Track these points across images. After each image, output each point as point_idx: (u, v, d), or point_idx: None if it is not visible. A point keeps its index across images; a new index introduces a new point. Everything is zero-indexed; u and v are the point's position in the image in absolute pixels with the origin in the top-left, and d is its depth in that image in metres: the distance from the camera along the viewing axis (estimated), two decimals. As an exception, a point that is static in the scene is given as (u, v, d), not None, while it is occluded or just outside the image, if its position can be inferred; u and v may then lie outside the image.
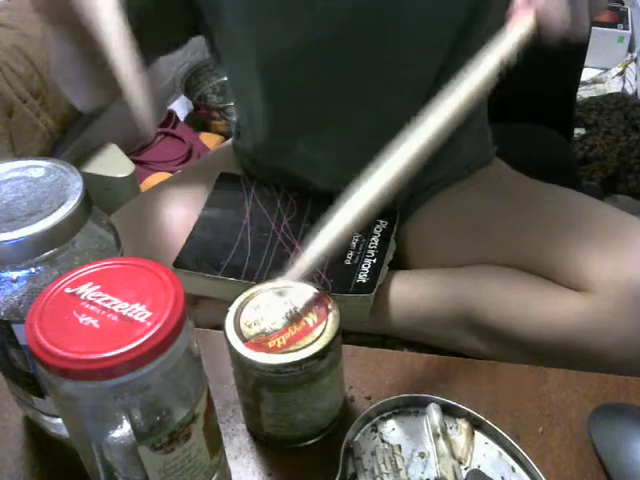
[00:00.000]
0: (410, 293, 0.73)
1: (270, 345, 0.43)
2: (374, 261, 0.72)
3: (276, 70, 0.73)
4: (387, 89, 0.72)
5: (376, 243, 0.74)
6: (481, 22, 0.69)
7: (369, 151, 0.76)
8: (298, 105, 0.76)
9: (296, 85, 0.74)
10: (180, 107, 1.75)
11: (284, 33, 0.70)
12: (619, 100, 1.76)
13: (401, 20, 0.66)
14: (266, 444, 0.49)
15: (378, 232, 0.76)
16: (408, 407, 0.50)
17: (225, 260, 0.71)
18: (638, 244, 0.62)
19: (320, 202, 0.79)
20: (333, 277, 0.70)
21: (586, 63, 1.06)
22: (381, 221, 0.77)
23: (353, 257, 0.73)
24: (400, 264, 0.78)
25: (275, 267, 0.71)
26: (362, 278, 0.70)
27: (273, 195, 0.79)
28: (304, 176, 0.80)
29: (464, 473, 0.46)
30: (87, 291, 0.35)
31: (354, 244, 0.74)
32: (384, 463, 0.46)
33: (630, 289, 0.60)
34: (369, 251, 0.73)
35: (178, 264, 0.70)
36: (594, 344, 0.61)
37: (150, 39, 0.70)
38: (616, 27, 2.00)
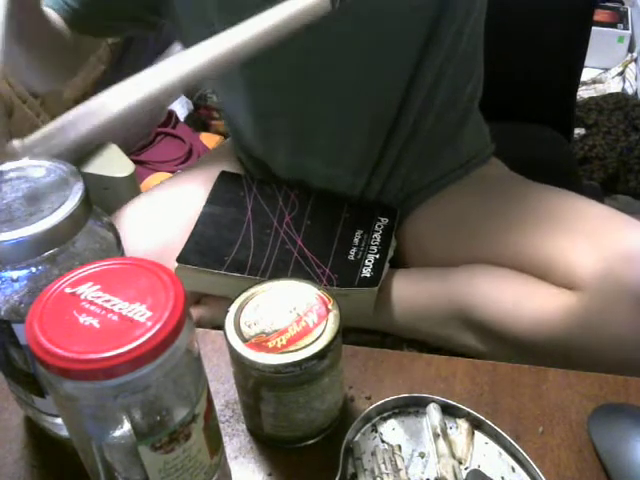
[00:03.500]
0: (408, 290, 0.74)
1: (270, 345, 0.43)
2: (377, 256, 0.73)
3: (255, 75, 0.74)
4: (363, 90, 0.72)
5: (378, 239, 0.75)
6: (451, 15, 0.69)
7: (354, 150, 0.77)
8: (276, 112, 0.77)
9: (272, 93, 0.75)
10: (180, 107, 1.75)
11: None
12: (619, 100, 1.76)
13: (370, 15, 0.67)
14: (266, 444, 0.49)
15: (380, 229, 0.76)
16: (408, 407, 0.50)
17: (229, 256, 0.71)
18: (629, 243, 0.62)
19: (322, 199, 0.80)
20: (338, 272, 0.71)
21: (586, 63, 1.06)
22: (382, 218, 0.78)
23: (356, 253, 0.73)
24: (398, 261, 0.78)
25: (279, 263, 0.72)
26: (366, 273, 0.71)
27: (274, 193, 0.80)
28: (296, 178, 0.81)
29: (464, 473, 0.46)
30: (87, 291, 0.35)
31: (356, 240, 0.75)
32: (384, 463, 0.46)
33: (620, 288, 0.60)
34: (372, 247, 0.74)
35: (181, 260, 0.70)
36: (587, 343, 0.61)
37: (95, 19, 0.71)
38: (616, 27, 2.00)
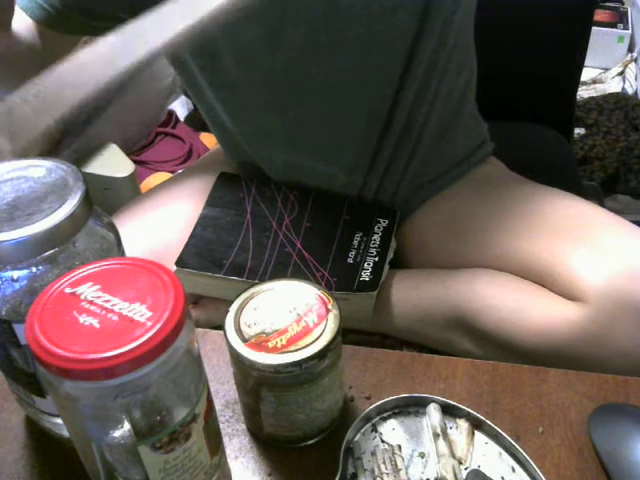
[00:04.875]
0: (408, 293, 0.74)
1: (270, 345, 0.44)
2: (376, 259, 0.72)
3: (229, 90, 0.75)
4: (356, 85, 0.72)
5: (377, 242, 0.75)
6: (439, 6, 0.69)
7: (349, 147, 0.77)
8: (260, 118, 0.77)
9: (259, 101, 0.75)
10: (180, 107, 1.75)
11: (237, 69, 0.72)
12: (619, 100, 1.76)
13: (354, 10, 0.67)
14: (266, 444, 0.49)
15: (379, 231, 0.76)
16: (408, 407, 0.50)
17: (228, 259, 0.71)
18: (634, 254, 0.61)
19: (321, 200, 0.80)
20: (337, 276, 0.71)
21: (586, 63, 1.06)
22: (382, 220, 0.77)
23: (355, 256, 0.73)
24: (398, 263, 0.78)
25: (277, 266, 0.72)
26: (365, 276, 0.71)
27: (273, 194, 0.79)
28: (292, 179, 0.81)
29: (464, 473, 0.46)
30: (87, 291, 0.35)
31: (356, 243, 0.74)
32: (384, 463, 0.46)
33: (625, 301, 0.59)
34: (371, 250, 0.74)
35: (180, 263, 0.70)
36: (589, 355, 0.61)
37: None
38: (616, 27, 2.00)
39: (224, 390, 0.53)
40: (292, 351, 0.43)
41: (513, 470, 0.46)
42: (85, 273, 0.36)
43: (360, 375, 0.53)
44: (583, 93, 1.87)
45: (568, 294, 0.63)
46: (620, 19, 2.03)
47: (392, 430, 0.49)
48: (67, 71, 0.44)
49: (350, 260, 0.73)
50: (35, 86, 0.43)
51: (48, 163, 0.44)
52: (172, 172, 1.46)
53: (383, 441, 0.48)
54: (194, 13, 0.44)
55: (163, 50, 0.44)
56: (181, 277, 0.36)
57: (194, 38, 0.44)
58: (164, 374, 0.34)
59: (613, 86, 1.92)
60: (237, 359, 0.44)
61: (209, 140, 1.64)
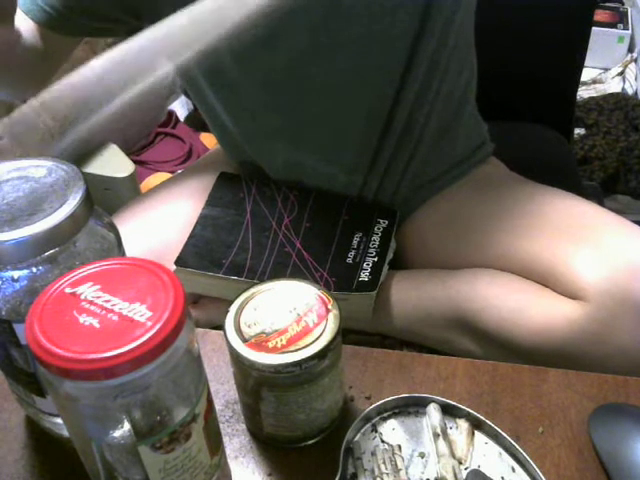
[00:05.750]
0: (408, 293, 0.74)
1: (270, 345, 0.44)
2: (375, 260, 0.72)
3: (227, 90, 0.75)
4: (357, 85, 0.72)
5: (377, 242, 0.75)
6: (439, 5, 0.69)
7: (350, 147, 0.77)
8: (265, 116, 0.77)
9: (259, 99, 0.75)
10: (180, 107, 1.75)
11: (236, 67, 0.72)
12: (619, 100, 1.76)
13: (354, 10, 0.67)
14: (266, 444, 0.49)
15: (379, 231, 0.76)
16: (408, 407, 0.50)
17: (227, 259, 0.71)
18: (635, 253, 0.62)
19: (321, 200, 0.80)
20: (335, 276, 0.71)
21: (586, 63, 1.06)
22: (382, 220, 0.77)
23: (354, 256, 0.73)
24: (398, 263, 0.78)
25: (277, 266, 0.72)
26: (364, 277, 0.71)
27: (273, 194, 0.79)
28: (293, 179, 0.81)
29: (464, 473, 0.46)
30: (87, 291, 0.35)
31: (355, 243, 0.74)
32: (384, 463, 0.46)
33: (625, 298, 0.59)
34: (370, 250, 0.74)
35: (180, 263, 0.70)
36: (589, 354, 0.61)
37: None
38: (616, 27, 2.00)
39: (224, 390, 0.53)
40: (292, 351, 0.43)
41: (513, 470, 0.46)
42: (85, 273, 0.36)
43: (360, 375, 0.53)
44: (583, 93, 1.88)
45: (570, 293, 0.63)
46: (620, 19, 2.03)
47: (392, 430, 0.49)
48: (80, 83, 0.44)
49: (349, 260, 0.73)
50: (43, 95, 0.43)
51: (48, 163, 0.44)
52: (172, 172, 1.46)
53: (383, 441, 0.48)
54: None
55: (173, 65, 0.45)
56: (181, 277, 0.36)
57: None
58: (164, 374, 0.34)
59: (613, 86, 1.92)
60: (237, 359, 0.44)
61: (209, 140, 1.64)
